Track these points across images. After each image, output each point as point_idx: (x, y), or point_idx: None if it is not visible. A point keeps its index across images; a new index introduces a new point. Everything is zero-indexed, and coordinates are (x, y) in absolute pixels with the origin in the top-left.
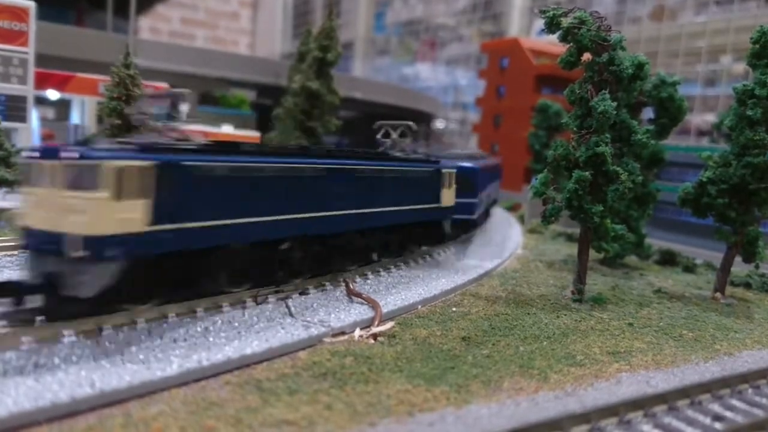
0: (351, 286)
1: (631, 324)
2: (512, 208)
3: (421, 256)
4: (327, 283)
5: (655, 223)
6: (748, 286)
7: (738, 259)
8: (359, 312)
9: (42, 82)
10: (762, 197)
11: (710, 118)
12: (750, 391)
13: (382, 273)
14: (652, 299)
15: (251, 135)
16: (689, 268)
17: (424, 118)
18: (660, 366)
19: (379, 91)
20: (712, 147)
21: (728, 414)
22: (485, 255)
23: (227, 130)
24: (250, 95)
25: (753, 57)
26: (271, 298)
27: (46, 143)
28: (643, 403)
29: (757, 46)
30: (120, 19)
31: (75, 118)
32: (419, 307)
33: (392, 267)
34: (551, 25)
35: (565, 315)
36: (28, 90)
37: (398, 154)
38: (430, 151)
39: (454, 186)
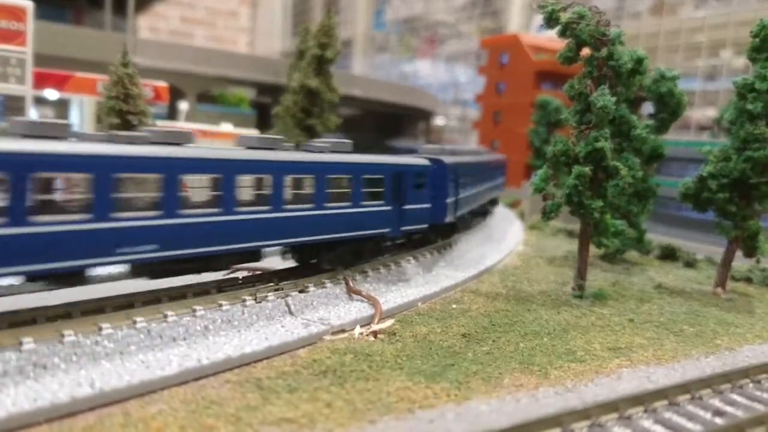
0: (351, 284)
1: (631, 319)
2: (513, 205)
3: (422, 254)
4: (327, 281)
5: (656, 219)
6: (749, 280)
7: (739, 253)
8: (359, 309)
9: (41, 81)
10: (762, 191)
11: (711, 112)
12: (751, 385)
13: (382, 270)
14: (653, 295)
15: (251, 134)
16: (690, 263)
17: (423, 115)
18: (661, 361)
19: (378, 89)
20: (713, 141)
21: (729, 409)
22: (485, 251)
23: (227, 128)
24: (249, 93)
25: (753, 51)
26: (271, 296)
27: None
28: (643, 399)
29: (757, 39)
30: (119, 18)
31: (74, 117)
32: (419, 304)
33: (392, 264)
34: (550, 20)
35: (566, 311)
36: (27, 90)
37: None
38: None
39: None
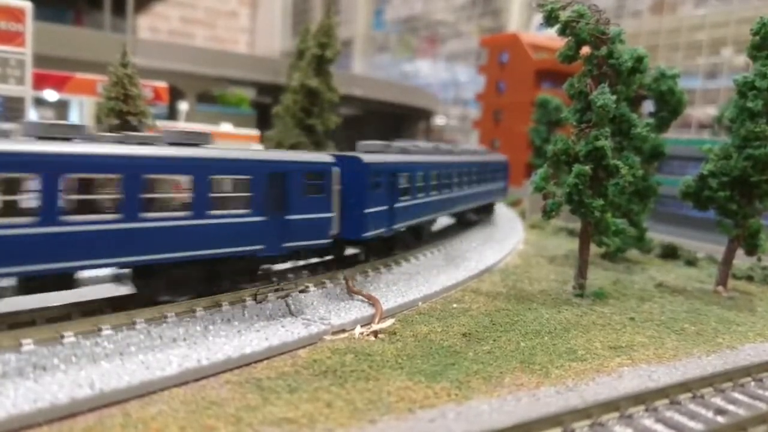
0: (351, 284)
1: (632, 318)
2: (513, 204)
3: (422, 253)
4: (327, 281)
5: (657, 217)
6: (750, 279)
7: (740, 252)
8: (359, 309)
9: (40, 82)
10: (763, 189)
11: (711, 110)
12: (752, 384)
13: (382, 270)
14: (654, 293)
15: (251, 133)
16: (691, 262)
17: (423, 115)
18: (662, 360)
19: (378, 88)
20: (713, 140)
21: (731, 407)
22: (486, 250)
23: (227, 128)
24: (249, 93)
25: (753, 48)
26: (271, 297)
27: None
28: (644, 398)
29: (758, 37)
30: (119, 19)
31: (74, 118)
32: (420, 303)
33: (392, 264)
34: (549, 19)
35: (567, 310)
36: (26, 91)
37: None
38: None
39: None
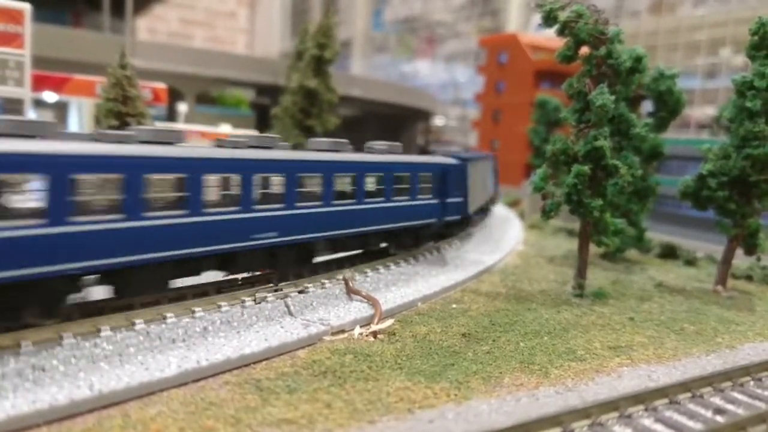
0: (350, 284)
1: (632, 318)
2: (512, 204)
3: (421, 253)
4: (326, 281)
5: (656, 217)
6: (749, 278)
7: (739, 251)
8: (359, 310)
9: (39, 84)
10: (762, 189)
11: (710, 110)
12: (752, 383)
13: (382, 270)
14: (653, 293)
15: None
16: (690, 262)
17: (422, 115)
18: (661, 360)
19: (377, 89)
20: (712, 140)
21: (730, 407)
22: (485, 251)
23: (225, 129)
24: (248, 94)
25: (752, 48)
26: (270, 297)
27: None
28: (644, 398)
29: (756, 37)
30: (117, 20)
31: (73, 120)
32: (419, 304)
33: (392, 264)
34: (548, 19)
35: (566, 310)
36: (25, 93)
37: None
38: None
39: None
